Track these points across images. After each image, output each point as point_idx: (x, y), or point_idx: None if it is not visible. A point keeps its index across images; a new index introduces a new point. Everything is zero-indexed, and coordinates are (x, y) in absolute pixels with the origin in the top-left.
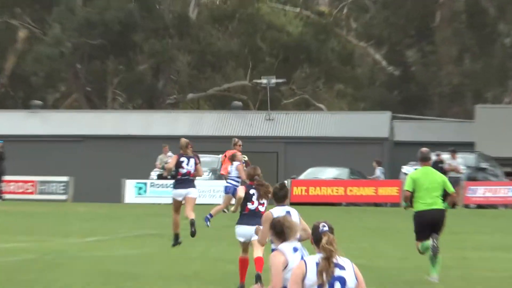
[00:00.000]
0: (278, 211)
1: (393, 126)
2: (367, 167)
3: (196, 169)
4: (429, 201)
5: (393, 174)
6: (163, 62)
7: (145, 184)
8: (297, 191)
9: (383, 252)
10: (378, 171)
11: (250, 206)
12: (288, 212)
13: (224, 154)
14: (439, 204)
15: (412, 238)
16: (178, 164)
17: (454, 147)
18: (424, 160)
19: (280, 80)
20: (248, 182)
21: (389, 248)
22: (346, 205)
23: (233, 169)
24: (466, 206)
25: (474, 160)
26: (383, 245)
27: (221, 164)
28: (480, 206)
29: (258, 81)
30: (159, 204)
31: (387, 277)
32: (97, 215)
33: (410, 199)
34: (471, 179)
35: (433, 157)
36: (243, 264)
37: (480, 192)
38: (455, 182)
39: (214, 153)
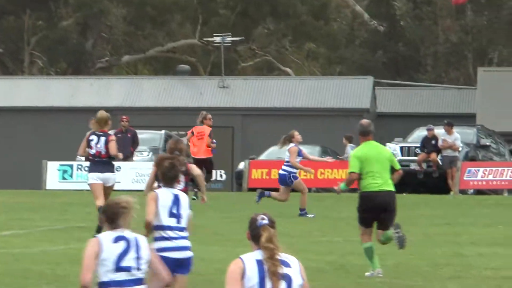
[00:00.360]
0: (164, 194)
1: (376, 94)
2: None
3: (107, 149)
4: (379, 181)
5: None
6: (92, 16)
7: (71, 166)
8: (256, 174)
9: (358, 248)
10: (350, 149)
11: None
12: (176, 197)
13: (191, 130)
14: (390, 186)
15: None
16: (88, 144)
17: (450, 120)
18: (365, 134)
19: (237, 38)
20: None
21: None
22: (316, 190)
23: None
24: (463, 192)
25: (474, 135)
26: (358, 239)
27: (188, 143)
28: (479, 192)
29: (210, 39)
30: (88, 190)
31: (362, 277)
32: (12, 204)
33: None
34: (470, 159)
35: (424, 132)
36: None
37: (480, 174)
38: (451, 162)
39: (155, 128)
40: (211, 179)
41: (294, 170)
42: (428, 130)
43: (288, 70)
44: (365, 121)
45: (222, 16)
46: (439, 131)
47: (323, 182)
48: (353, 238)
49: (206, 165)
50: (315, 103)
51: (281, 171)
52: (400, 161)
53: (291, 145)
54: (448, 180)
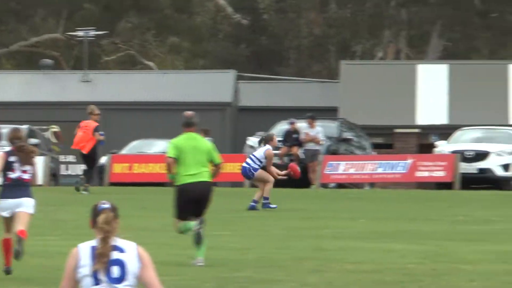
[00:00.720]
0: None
1: (239, 88)
2: (208, 137)
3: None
4: (194, 172)
5: (237, 147)
6: None
7: None
8: (118, 168)
9: (221, 242)
10: None
11: (11, 175)
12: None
13: (79, 124)
14: (206, 177)
15: (257, 225)
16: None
17: (313, 113)
18: (188, 125)
19: (100, 32)
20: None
21: (228, 238)
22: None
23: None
24: (325, 186)
25: (336, 129)
26: (220, 233)
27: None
28: (341, 185)
29: (73, 33)
30: None
31: (225, 272)
32: None
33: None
34: (332, 152)
35: (286, 125)
36: (7, 245)
37: (342, 168)
38: (313, 155)
39: (19, 123)
40: (90, 175)
41: (255, 165)
42: (290, 123)
43: (151, 64)
44: (188, 112)
45: (86, 10)
46: (302, 124)
47: None
48: (214, 232)
49: (88, 160)
50: (178, 97)
51: (244, 164)
52: None
53: (268, 147)
54: (310, 173)
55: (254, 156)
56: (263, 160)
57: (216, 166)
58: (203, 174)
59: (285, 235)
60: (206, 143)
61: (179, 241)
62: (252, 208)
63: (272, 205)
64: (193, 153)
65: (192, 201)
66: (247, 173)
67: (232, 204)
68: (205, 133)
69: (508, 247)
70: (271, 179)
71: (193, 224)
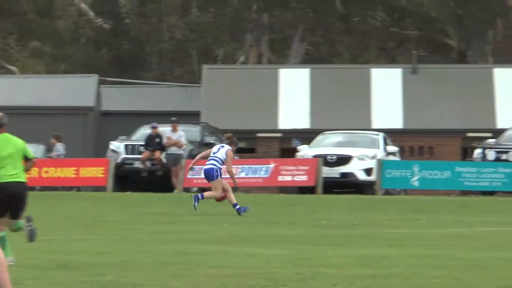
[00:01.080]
0: None
1: (101, 92)
2: (71, 142)
3: None
4: (12, 172)
5: (100, 151)
6: None
7: None
8: None
9: (83, 246)
10: (61, 148)
11: None
12: None
13: None
14: (22, 177)
15: (121, 229)
16: None
17: (176, 117)
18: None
19: None
20: None
21: (92, 242)
22: (40, 189)
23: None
24: (187, 190)
25: (199, 133)
26: (83, 237)
27: None
28: (203, 190)
29: None
30: None
31: (89, 276)
32: None
33: None
34: (194, 157)
35: (148, 130)
36: None
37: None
38: (176, 160)
39: None
40: None
41: (219, 166)
42: (152, 128)
43: (13, 68)
44: None
45: None
46: (165, 129)
47: (48, 181)
48: (77, 237)
49: None
50: (39, 102)
51: (209, 165)
52: (124, 159)
53: (228, 148)
54: (172, 178)
55: (217, 157)
56: (224, 160)
57: (29, 161)
58: (20, 175)
59: (149, 239)
60: (19, 141)
61: (41, 245)
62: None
63: (243, 207)
64: (9, 153)
65: (8, 200)
66: (213, 174)
67: (95, 208)
68: (57, 139)
69: (371, 251)
70: (229, 187)
71: (22, 223)
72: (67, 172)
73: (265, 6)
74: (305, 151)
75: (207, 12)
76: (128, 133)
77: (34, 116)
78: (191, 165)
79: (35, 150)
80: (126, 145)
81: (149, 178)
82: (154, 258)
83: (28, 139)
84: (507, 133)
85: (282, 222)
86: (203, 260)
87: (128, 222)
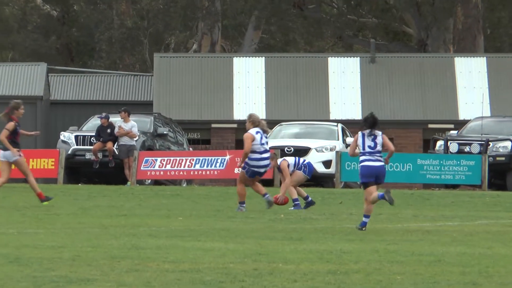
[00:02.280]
0: None
1: (51, 81)
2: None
3: None
4: None
5: (49, 142)
6: None
7: None
8: None
9: (35, 240)
10: None
11: None
12: None
13: None
14: None
15: (72, 222)
16: None
17: (128, 107)
18: None
19: None
20: None
21: (42, 236)
22: None
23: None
24: (140, 182)
25: (151, 124)
26: (34, 231)
27: None
28: (157, 182)
29: None
30: None
31: (40, 271)
32: None
33: None
34: (147, 148)
35: (98, 120)
36: None
37: (158, 164)
38: (128, 151)
39: None
40: None
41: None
42: (102, 118)
43: None
44: None
45: None
46: (116, 119)
47: None
48: (28, 230)
49: None
50: None
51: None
52: (75, 150)
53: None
54: (125, 170)
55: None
56: None
57: None
58: None
59: (100, 233)
60: None
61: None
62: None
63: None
64: None
65: None
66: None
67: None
68: None
69: (330, 246)
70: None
71: None
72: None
73: None
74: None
75: None
76: (79, 123)
77: None
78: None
79: None
80: (76, 136)
81: (101, 170)
82: (106, 252)
83: None
84: (469, 125)
85: (238, 216)
86: (157, 255)
87: (79, 216)
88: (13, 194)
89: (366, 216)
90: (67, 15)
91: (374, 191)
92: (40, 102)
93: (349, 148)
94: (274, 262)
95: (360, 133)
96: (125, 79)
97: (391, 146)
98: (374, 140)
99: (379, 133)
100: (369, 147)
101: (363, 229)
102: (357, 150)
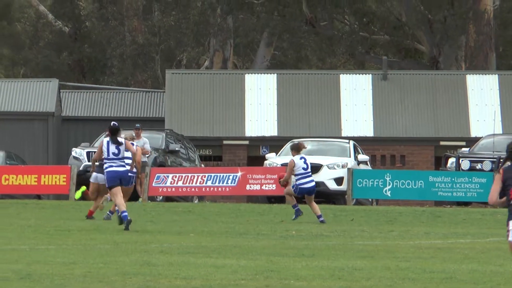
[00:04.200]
0: None
1: (62, 97)
2: (32, 148)
3: None
4: None
5: (61, 158)
6: None
7: None
8: None
9: (46, 257)
10: None
11: None
12: None
13: None
14: None
15: (84, 239)
16: None
17: (140, 124)
18: None
19: None
20: None
21: (54, 252)
22: (0, 197)
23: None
24: (152, 199)
25: (163, 140)
26: (46, 247)
27: None
28: (169, 199)
29: None
30: None
31: (50, 286)
32: None
33: None
34: (159, 164)
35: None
36: None
37: (170, 181)
38: (140, 167)
39: None
40: None
41: None
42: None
43: None
44: None
45: None
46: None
47: (8, 189)
48: (39, 247)
49: None
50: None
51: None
52: (86, 166)
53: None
54: (137, 186)
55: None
56: None
57: None
58: None
59: (112, 249)
60: None
61: (2, 255)
62: None
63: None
64: None
65: None
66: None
67: (57, 217)
68: None
69: (342, 263)
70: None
71: None
72: (28, 180)
73: (229, 9)
74: (273, 159)
75: (170, 15)
76: (91, 139)
77: None
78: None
79: None
80: (88, 152)
81: None
82: (118, 269)
83: None
84: (481, 142)
85: (250, 233)
86: (169, 272)
87: (91, 232)
88: (26, 211)
89: None
90: (79, 31)
91: None
92: (51, 118)
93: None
94: (286, 279)
95: None
96: (137, 96)
97: None
98: None
99: None
100: None
101: None
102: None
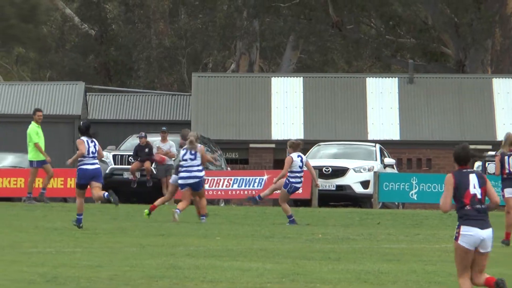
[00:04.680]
0: None
1: (89, 100)
2: (58, 151)
3: None
4: None
5: None
6: None
7: None
8: None
9: (73, 260)
10: None
11: None
12: None
13: None
14: None
15: (110, 242)
16: None
17: (166, 127)
18: None
19: None
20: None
21: (80, 255)
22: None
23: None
24: (177, 202)
25: None
26: (72, 250)
27: None
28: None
29: None
30: None
31: None
32: None
33: None
34: None
35: (136, 139)
36: None
37: None
38: (166, 170)
39: None
40: None
41: None
42: (140, 137)
43: None
44: None
45: None
46: (154, 139)
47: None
48: (65, 249)
49: None
50: (24, 110)
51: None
52: (113, 169)
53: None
54: (163, 189)
55: None
56: None
57: None
58: None
59: (138, 252)
60: None
61: (28, 258)
62: None
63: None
64: None
65: None
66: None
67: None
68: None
69: (368, 267)
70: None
71: None
72: (54, 183)
73: (256, 12)
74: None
75: (196, 18)
76: (116, 142)
77: (15, 125)
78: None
79: (21, 160)
80: (114, 155)
81: (139, 189)
82: (144, 272)
83: (13, 148)
84: None
85: (276, 236)
86: (195, 275)
87: (117, 235)
88: (51, 214)
89: None
90: (105, 34)
91: None
92: (78, 121)
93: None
94: (311, 282)
95: None
96: (163, 99)
97: None
98: None
99: None
100: None
101: None
102: None
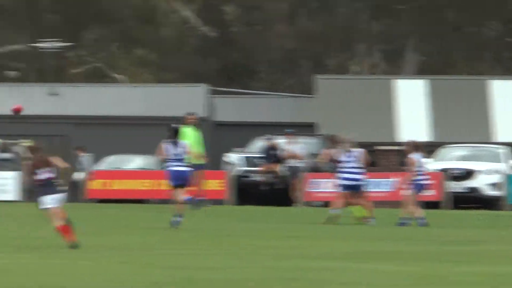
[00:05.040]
0: None
1: (213, 102)
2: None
3: None
4: None
5: (214, 163)
6: None
7: None
8: (95, 184)
9: (207, 262)
10: (85, 160)
11: None
12: None
13: None
14: None
15: (245, 244)
16: None
17: (291, 129)
18: None
19: (66, 44)
20: None
21: (215, 257)
22: (158, 202)
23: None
24: (309, 204)
25: (317, 145)
26: (207, 252)
27: None
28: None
29: (38, 44)
30: None
31: None
32: None
33: None
34: (314, 169)
35: (263, 142)
36: None
37: (325, 186)
38: (294, 172)
39: None
40: None
41: None
42: (267, 140)
43: (119, 77)
44: None
45: (50, 20)
46: (280, 140)
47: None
48: (199, 251)
49: None
50: (148, 111)
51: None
52: (243, 172)
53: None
54: (292, 191)
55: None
56: None
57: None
58: None
59: (270, 253)
60: None
61: (160, 260)
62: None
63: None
64: None
65: None
66: None
67: (216, 222)
68: (82, 150)
69: (502, 269)
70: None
71: None
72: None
73: (376, 15)
74: (429, 165)
75: (316, 20)
76: (242, 144)
77: (144, 127)
78: None
79: (148, 161)
80: (244, 157)
81: (268, 191)
82: (277, 273)
83: (139, 150)
84: None
85: (414, 238)
86: (330, 277)
87: (249, 237)
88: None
89: None
90: (225, 36)
91: None
92: (203, 124)
93: None
94: (442, 285)
95: None
96: (285, 101)
97: None
98: None
99: None
100: None
101: None
102: None
